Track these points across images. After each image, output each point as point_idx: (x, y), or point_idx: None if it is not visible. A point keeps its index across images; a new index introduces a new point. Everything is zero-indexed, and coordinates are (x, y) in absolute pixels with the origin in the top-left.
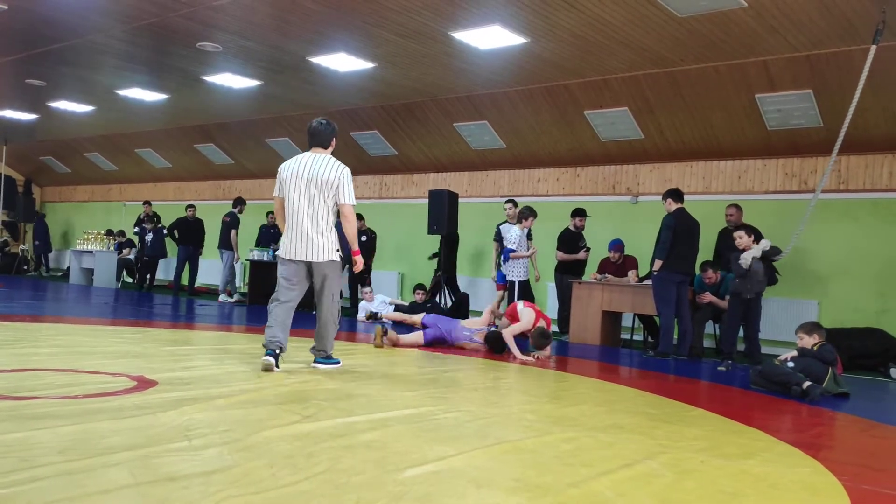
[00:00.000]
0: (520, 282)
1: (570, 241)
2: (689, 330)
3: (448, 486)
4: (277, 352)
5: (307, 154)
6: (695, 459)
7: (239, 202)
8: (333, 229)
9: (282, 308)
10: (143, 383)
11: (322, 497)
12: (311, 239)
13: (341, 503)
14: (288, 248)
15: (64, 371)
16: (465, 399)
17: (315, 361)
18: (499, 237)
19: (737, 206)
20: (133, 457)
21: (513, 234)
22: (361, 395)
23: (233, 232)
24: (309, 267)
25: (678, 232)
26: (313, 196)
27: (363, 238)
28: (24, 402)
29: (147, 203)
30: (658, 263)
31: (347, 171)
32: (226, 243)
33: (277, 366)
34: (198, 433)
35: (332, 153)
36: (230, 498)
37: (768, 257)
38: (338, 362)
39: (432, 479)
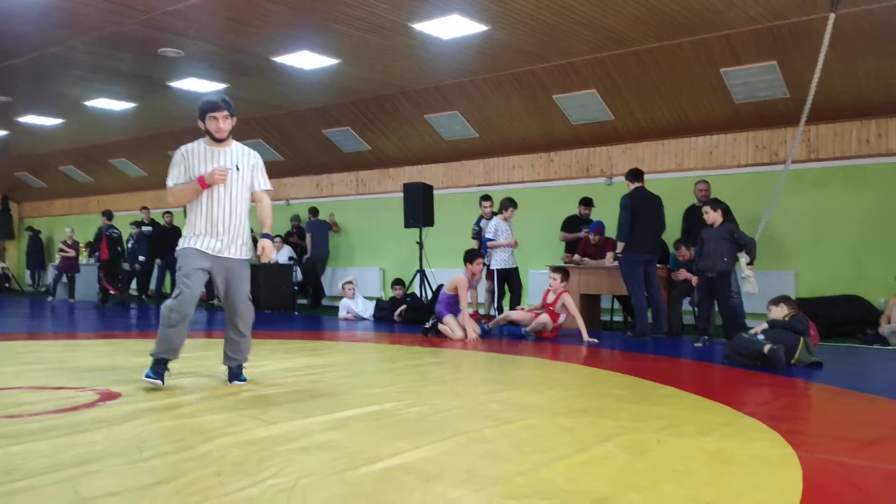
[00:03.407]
0: (499, 270)
1: (572, 223)
2: (661, 307)
3: (396, 484)
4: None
5: None
6: (652, 439)
7: None
8: (188, 220)
9: None
10: (106, 396)
11: (267, 502)
12: None
13: None
14: None
15: (28, 388)
16: (433, 392)
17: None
18: (478, 235)
19: (706, 182)
20: (79, 472)
21: (491, 225)
22: (326, 395)
23: None
24: None
25: (637, 211)
26: None
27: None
28: None
29: (144, 209)
30: (620, 245)
31: (176, 152)
32: None
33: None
34: (150, 444)
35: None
36: None
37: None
38: (152, 377)
39: (381, 477)
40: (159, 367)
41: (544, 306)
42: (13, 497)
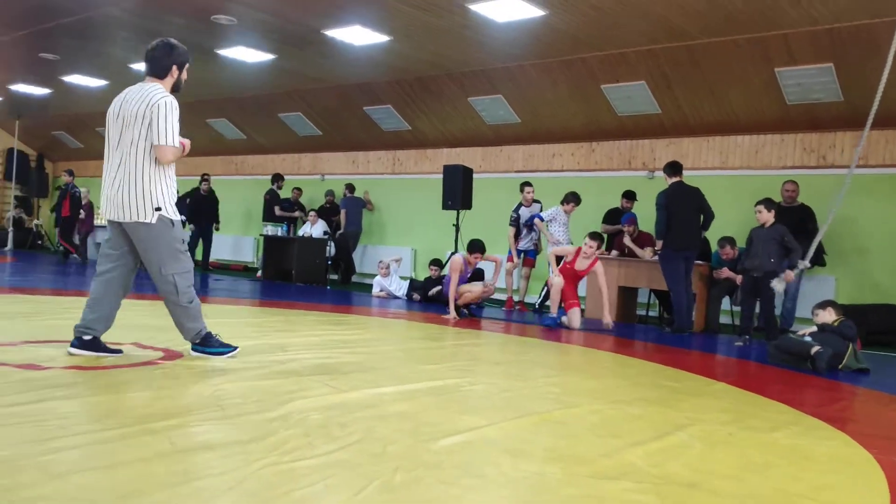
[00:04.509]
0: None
1: (614, 216)
2: (691, 302)
3: (483, 456)
4: (84, 338)
5: (132, 87)
6: (723, 431)
7: (277, 178)
8: (154, 181)
9: (95, 282)
10: (170, 355)
11: (360, 466)
12: (118, 193)
13: (381, 472)
14: (102, 205)
15: None
16: (489, 372)
17: (192, 349)
18: (516, 222)
19: (794, 182)
20: (169, 425)
21: (551, 210)
22: (386, 368)
23: (276, 208)
24: (124, 230)
25: (672, 208)
26: (122, 137)
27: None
28: (58, 371)
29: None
30: (659, 243)
31: (167, 100)
32: (271, 219)
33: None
34: (230, 403)
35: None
36: (271, 465)
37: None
38: (226, 350)
39: (467, 449)
40: (213, 338)
41: (575, 272)
42: (114, 444)
